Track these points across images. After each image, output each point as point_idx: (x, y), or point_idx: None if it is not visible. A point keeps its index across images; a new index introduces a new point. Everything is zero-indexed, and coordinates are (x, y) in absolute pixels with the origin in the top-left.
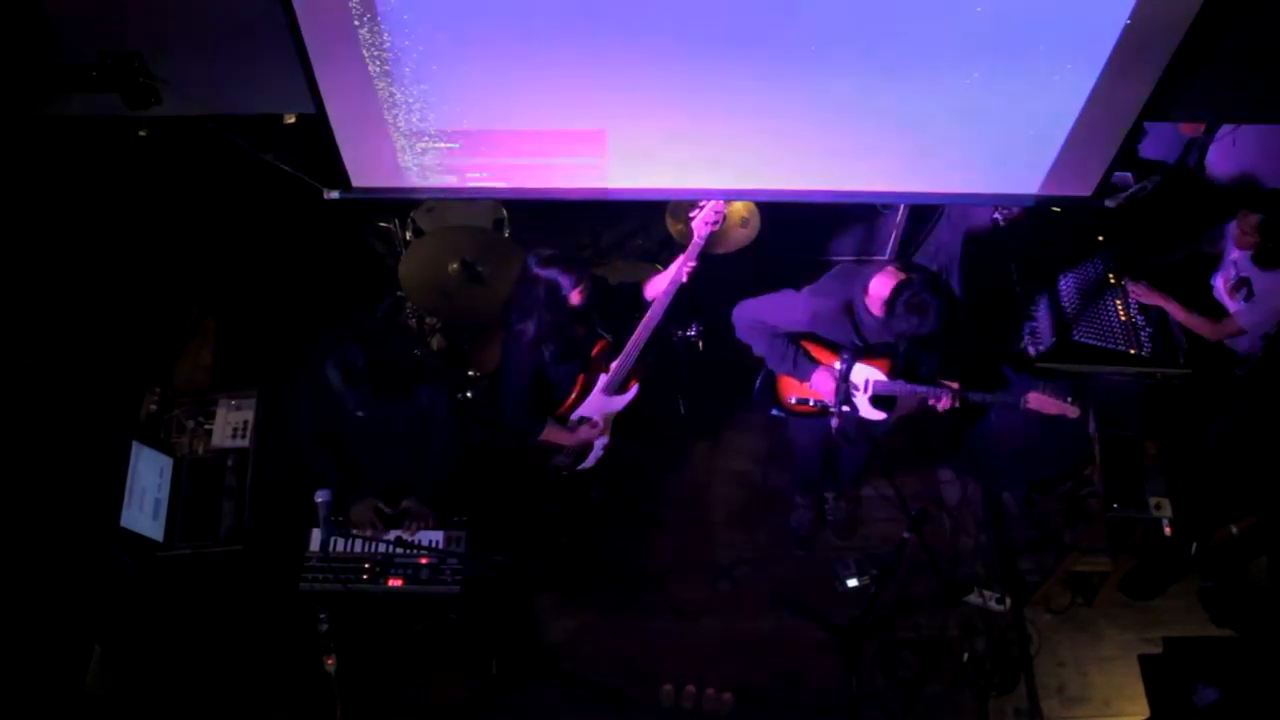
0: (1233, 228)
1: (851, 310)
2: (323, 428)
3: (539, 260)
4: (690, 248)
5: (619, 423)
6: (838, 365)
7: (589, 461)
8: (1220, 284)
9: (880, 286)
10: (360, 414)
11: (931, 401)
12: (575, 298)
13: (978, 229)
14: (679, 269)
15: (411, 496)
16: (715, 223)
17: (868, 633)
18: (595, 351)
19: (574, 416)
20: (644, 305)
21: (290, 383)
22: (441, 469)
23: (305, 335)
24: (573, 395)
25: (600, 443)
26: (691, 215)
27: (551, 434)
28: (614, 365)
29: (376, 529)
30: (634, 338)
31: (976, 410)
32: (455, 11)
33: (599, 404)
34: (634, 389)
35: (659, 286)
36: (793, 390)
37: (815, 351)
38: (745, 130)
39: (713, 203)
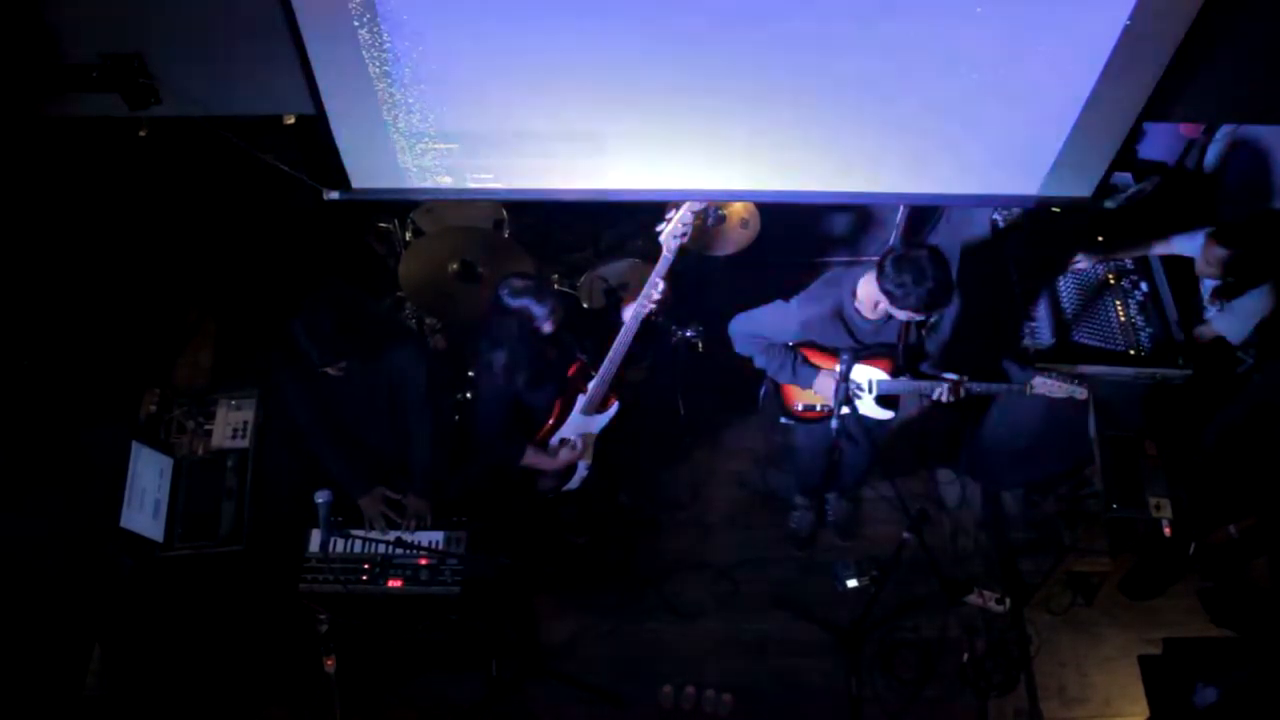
0: (1199, 249)
1: (842, 315)
2: (318, 412)
3: (510, 291)
4: (660, 263)
5: (620, 427)
6: (837, 368)
7: (573, 483)
8: (1204, 289)
9: (868, 287)
10: (329, 371)
11: (937, 395)
12: (548, 327)
13: (977, 230)
14: (648, 286)
15: (411, 494)
16: (684, 235)
17: (867, 633)
18: (571, 373)
19: (554, 440)
20: (619, 323)
21: (275, 362)
22: (429, 456)
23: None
24: (551, 419)
25: (583, 464)
26: (658, 229)
27: (532, 459)
28: (590, 385)
29: (386, 519)
30: (609, 357)
31: (978, 408)
32: (455, 13)
33: (578, 425)
34: (613, 407)
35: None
36: (798, 397)
37: (815, 357)
38: (745, 131)
39: (679, 214)
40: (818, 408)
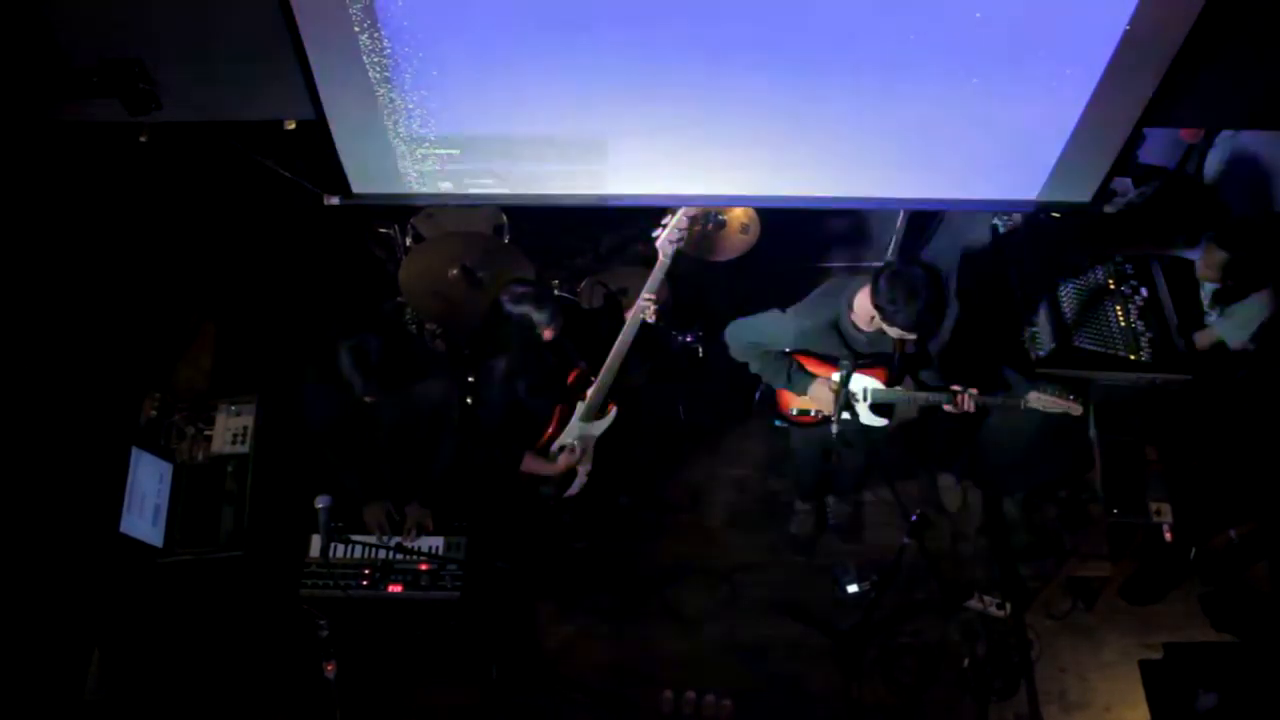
0: (1200, 254)
1: (838, 327)
2: (337, 425)
3: (511, 296)
4: (656, 269)
5: (621, 432)
6: (835, 376)
7: (573, 489)
8: (1204, 294)
9: (863, 300)
10: (368, 400)
11: (945, 406)
12: (548, 334)
13: (977, 235)
14: (645, 292)
15: (414, 502)
16: (680, 240)
17: (868, 638)
18: (571, 380)
19: (554, 446)
20: (619, 328)
21: (307, 375)
22: (443, 468)
23: (312, 336)
24: (551, 426)
25: (583, 469)
26: (655, 235)
27: (532, 465)
28: (589, 392)
29: (384, 532)
30: (607, 363)
31: (977, 414)
32: (455, 18)
33: (578, 431)
34: (612, 413)
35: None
36: (793, 401)
37: (811, 364)
38: (745, 137)
39: (674, 219)
40: (811, 413)
